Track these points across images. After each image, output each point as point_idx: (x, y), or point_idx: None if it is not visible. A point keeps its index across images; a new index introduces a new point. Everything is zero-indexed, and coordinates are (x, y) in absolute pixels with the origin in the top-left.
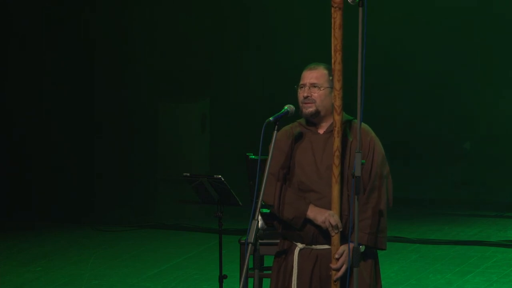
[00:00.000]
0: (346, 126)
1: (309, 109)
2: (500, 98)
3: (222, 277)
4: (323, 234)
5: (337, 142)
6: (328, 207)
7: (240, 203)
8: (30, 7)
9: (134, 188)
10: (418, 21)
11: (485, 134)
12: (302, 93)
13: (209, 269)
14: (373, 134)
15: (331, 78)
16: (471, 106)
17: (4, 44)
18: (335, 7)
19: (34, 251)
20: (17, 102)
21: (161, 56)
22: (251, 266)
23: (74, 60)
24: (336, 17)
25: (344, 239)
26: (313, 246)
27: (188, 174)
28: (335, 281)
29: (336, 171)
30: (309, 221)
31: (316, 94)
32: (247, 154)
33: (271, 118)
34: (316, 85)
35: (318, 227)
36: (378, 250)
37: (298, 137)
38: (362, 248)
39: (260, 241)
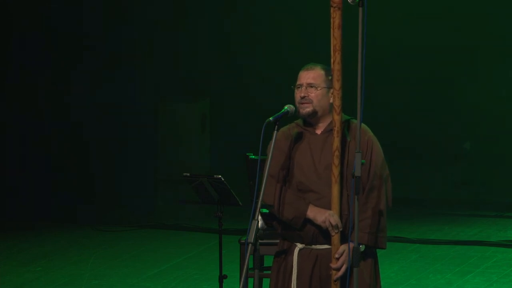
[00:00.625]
0: (344, 126)
1: (306, 109)
2: (501, 98)
3: (222, 277)
4: (323, 234)
5: (336, 142)
6: (328, 207)
7: (240, 203)
8: (28, 6)
9: (134, 188)
10: (418, 20)
11: (485, 134)
12: (299, 93)
13: (209, 269)
14: (371, 133)
15: (329, 78)
16: (471, 106)
17: (5, 44)
18: (334, 7)
19: (34, 251)
20: (17, 102)
21: (161, 56)
22: (251, 266)
23: (74, 59)
24: (335, 17)
25: (344, 239)
26: (313, 246)
27: (188, 174)
28: (335, 281)
29: (335, 171)
30: (309, 221)
31: (313, 94)
32: (247, 154)
33: (271, 118)
34: (313, 85)
35: (317, 227)
36: (378, 250)
37: (296, 138)
38: (362, 247)
39: (260, 241)
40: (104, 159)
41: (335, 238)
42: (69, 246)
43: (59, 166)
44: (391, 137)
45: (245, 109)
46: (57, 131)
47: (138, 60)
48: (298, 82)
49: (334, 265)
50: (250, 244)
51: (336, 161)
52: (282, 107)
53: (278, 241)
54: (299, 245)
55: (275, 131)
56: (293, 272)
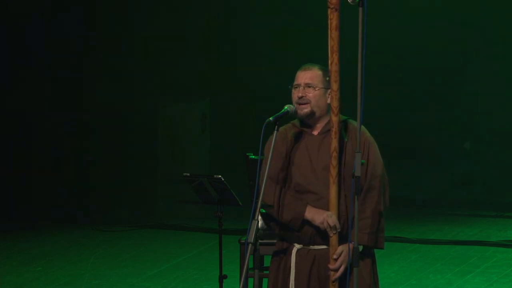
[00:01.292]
0: (341, 127)
1: (305, 110)
2: (500, 98)
3: (222, 277)
4: (321, 235)
5: (334, 142)
6: (326, 208)
7: (240, 203)
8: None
9: (134, 188)
10: (419, 19)
11: (485, 134)
12: (296, 93)
13: (209, 269)
14: (368, 134)
15: (327, 79)
16: (471, 105)
17: (7, 43)
18: (332, 8)
19: (34, 251)
20: (17, 102)
21: (161, 56)
22: (251, 266)
23: (74, 59)
24: (333, 18)
25: (342, 240)
26: (311, 246)
27: (188, 174)
28: (333, 282)
29: (333, 171)
30: (307, 222)
31: (311, 94)
32: (247, 154)
33: (271, 118)
34: (311, 85)
35: (315, 227)
36: (377, 250)
37: (293, 139)
38: (360, 247)
39: (260, 241)
40: (104, 159)
41: (333, 238)
42: (69, 246)
43: (59, 166)
44: (391, 137)
45: (245, 109)
46: (56, 131)
47: (138, 60)
48: (295, 82)
49: (332, 265)
50: (250, 244)
51: (334, 162)
52: (282, 107)
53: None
54: (297, 246)
55: (275, 131)
56: (291, 273)
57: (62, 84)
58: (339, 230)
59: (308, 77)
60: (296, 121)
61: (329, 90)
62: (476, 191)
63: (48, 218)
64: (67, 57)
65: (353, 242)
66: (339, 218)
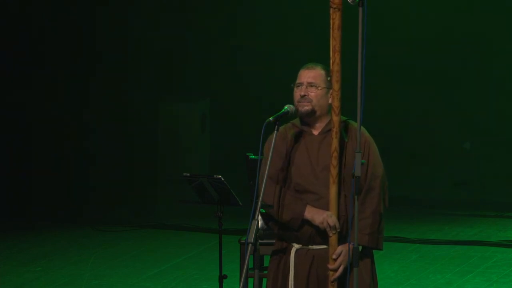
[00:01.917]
0: (342, 127)
1: (305, 107)
2: (501, 98)
3: (222, 277)
4: (320, 234)
5: (335, 143)
6: (326, 208)
7: (240, 203)
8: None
9: (134, 188)
10: (419, 18)
11: (485, 134)
12: (298, 92)
13: (209, 269)
14: (367, 134)
15: (328, 79)
16: (471, 105)
17: (7, 43)
18: (334, 8)
19: (34, 251)
20: (17, 102)
21: (161, 56)
22: (251, 266)
23: (73, 59)
24: (335, 18)
25: (341, 240)
26: (310, 246)
27: (188, 174)
28: (332, 282)
29: (334, 171)
30: (306, 222)
31: (313, 93)
32: (247, 154)
33: (271, 118)
34: (313, 84)
35: (315, 227)
36: (375, 250)
37: (293, 139)
38: (359, 247)
39: (260, 241)
40: (104, 159)
41: (333, 238)
42: (69, 246)
43: (59, 166)
44: (390, 136)
45: (245, 109)
46: (56, 131)
47: (138, 60)
48: (298, 81)
49: (331, 266)
50: (250, 244)
51: (335, 161)
52: (283, 106)
53: None
54: (296, 245)
55: (275, 131)
56: (290, 273)
57: (62, 84)
58: (338, 230)
59: (311, 76)
60: (296, 121)
61: (331, 90)
62: (476, 191)
63: (48, 218)
64: (67, 57)
65: (353, 243)
66: (338, 218)
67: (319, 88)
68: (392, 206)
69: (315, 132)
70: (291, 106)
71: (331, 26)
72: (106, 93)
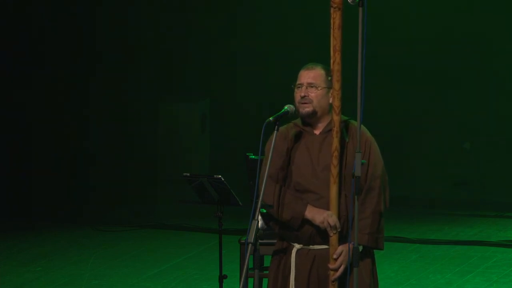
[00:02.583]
0: (343, 127)
1: (306, 109)
2: (501, 98)
3: (222, 277)
4: (321, 234)
5: (335, 142)
6: (326, 208)
7: (240, 203)
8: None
9: (134, 188)
10: (419, 18)
11: (485, 134)
12: (299, 93)
13: (209, 269)
14: (369, 134)
15: (329, 78)
16: (471, 105)
17: (7, 43)
18: (335, 8)
19: (34, 251)
20: (17, 102)
21: (161, 56)
22: (251, 266)
23: (73, 59)
24: (336, 18)
25: (342, 239)
26: (310, 246)
27: (188, 174)
28: (333, 282)
29: (334, 171)
30: (307, 222)
31: (313, 94)
32: (247, 154)
33: (271, 118)
34: (313, 85)
35: (315, 227)
36: (376, 250)
37: (294, 138)
38: (360, 247)
39: (260, 241)
40: (104, 159)
41: (333, 238)
42: (69, 246)
43: (59, 166)
44: (390, 136)
45: (245, 109)
46: (56, 131)
47: (138, 60)
48: (298, 82)
49: (332, 265)
50: (250, 244)
51: (335, 161)
52: (283, 106)
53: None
54: (297, 245)
55: (275, 131)
56: (291, 273)
57: (62, 84)
58: (339, 229)
59: (311, 76)
60: (297, 121)
61: (331, 90)
62: (476, 191)
63: (48, 218)
64: (67, 57)
65: (353, 243)
66: (339, 218)
67: (319, 89)
68: (392, 206)
69: (317, 132)
70: (291, 106)
71: (332, 26)
72: (106, 93)
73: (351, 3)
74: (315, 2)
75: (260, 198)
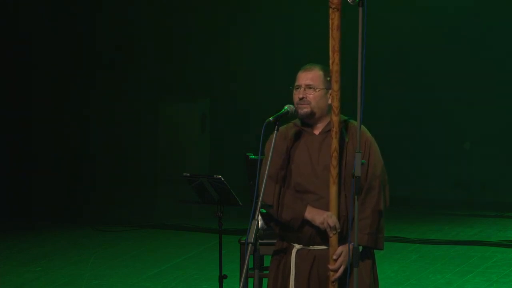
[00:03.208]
0: (342, 127)
1: (304, 110)
2: (500, 98)
3: (222, 277)
4: (321, 235)
5: (334, 143)
6: (326, 208)
7: (240, 203)
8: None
9: (134, 188)
10: (422, 18)
11: (485, 133)
12: (297, 94)
13: (209, 269)
14: (369, 134)
15: (328, 79)
16: (471, 105)
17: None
18: (333, 8)
19: (34, 251)
20: (17, 102)
21: (161, 56)
22: (251, 266)
23: (74, 59)
24: (334, 18)
25: (342, 240)
26: (311, 246)
27: (188, 174)
28: (333, 282)
29: (334, 171)
30: (307, 222)
31: (311, 95)
32: (247, 154)
33: (271, 118)
34: (312, 86)
35: (315, 227)
36: (376, 250)
37: (294, 138)
38: (360, 248)
39: (260, 241)
40: (104, 159)
41: (333, 239)
42: (69, 246)
43: (59, 166)
44: (390, 136)
45: (245, 109)
46: (56, 131)
47: (138, 60)
48: (296, 83)
49: (332, 266)
50: (250, 244)
51: (334, 162)
52: (282, 107)
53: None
54: (297, 246)
55: (275, 131)
56: (291, 273)
57: (62, 84)
58: (339, 230)
59: (309, 78)
60: (297, 121)
61: (330, 91)
62: (476, 191)
63: (48, 218)
64: (67, 58)
65: (353, 243)
66: (339, 218)
67: (317, 90)
68: (392, 206)
69: (316, 132)
70: (291, 106)
71: (330, 26)
72: (106, 93)
73: (351, 3)
74: (315, 3)
75: (260, 198)
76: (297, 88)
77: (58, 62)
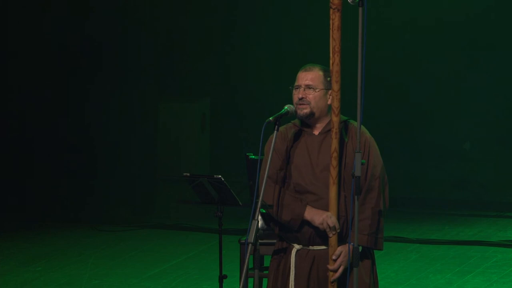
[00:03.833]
0: (342, 127)
1: (304, 110)
2: (500, 98)
3: (222, 277)
4: (320, 235)
5: (334, 143)
6: (325, 208)
7: (240, 203)
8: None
9: (134, 188)
10: (424, 20)
11: (485, 133)
12: (297, 95)
13: (209, 269)
14: (368, 135)
15: (328, 79)
16: (471, 105)
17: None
18: (334, 9)
19: (34, 251)
20: (18, 102)
21: (161, 56)
22: (251, 266)
23: (73, 59)
24: (335, 19)
25: (341, 240)
26: (310, 247)
27: (188, 174)
28: (332, 282)
29: (333, 172)
30: (307, 223)
31: (311, 95)
32: (247, 154)
33: (271, 118)
34: (311, 86)
35: (315, 228)
36: (376, 251)
37: (293, 138)
38: (360, 248)
39: (260, 241)
40: (104, 159)
41: (333, 239)
42: (69, 246)
43: (59, 166)
44: (391, 137)
45: (245, 109)
46: (56, 131)
47: (138, 60)
48: (296, 83)
49: (331, 266)
50: (250, 244)
51: (334, 162)
52: (282, 106)
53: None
54: (296, 246)
55: (275, 131)
56: (291, 274)
57: (62, 84)
58: (338, 230)
59: (309, 78)
60: (297, 121)
61: (330, 91)
62: (476, 191)
63: (48, 218)
64: (67, 57)
65: (352, 244)
66: (338, 218)
67: (317, 90)
68: (392, 206)
69: (315, 132)
70: (291, 106)
71: (331, 27)
72: (106, 93)
73: (351, 3)
74: (314, 3)
75: (260, 198)
76: (297, 88)
77: (58, 62)
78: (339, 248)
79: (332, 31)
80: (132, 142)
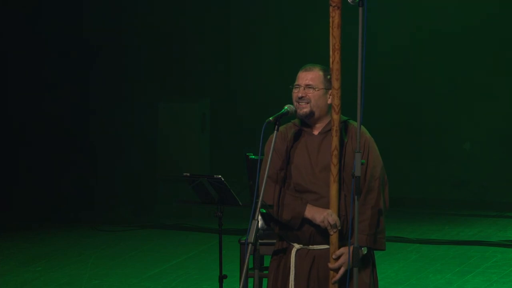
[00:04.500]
0: (342, 127)
1: (304, 109)
2: (500, 98)
3: (222, 277)
4: (321, 234)
5: (335, 141)
6: (326, 207)
7: (240, 203)
8: None
9: (134, 188)
10: (427, 21)
11: (486, 134)
12: (296, 94)
13: (209, 269)
14: (368, 135)
15: (328, 77)
16: (471, 105)
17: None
18: (334, 6)
19: (34, 251)
20: (18, 102)
21: (161, 56)
22: (251, 266)
23: (74, 59)
24: (335, 16)
25: (341, 239)
26: (310, 246)
27: (188, 174)
28: (333, 283)
29: (334, 170)
30: (307, 221)
31: (311, 94)
32: (247, 154)
33: (271, 118)
34: (311, 86)
35: (315, 227)
36: (377, 251)
37: (293, 138)
38: (364, 250)
39: (260, 241)
40: (104, 159)
41: (334, 237)
42: (69, 246)
43: (59, 166)
44: (391, 137)
45: (245, 108)
46: (55, 130)
47: (138, 59)
48: (296, 82)
49: (332, 265)
50: (250, 244)
51: (335, 160)
52: (283, 106)
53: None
54: (297, 246)
55: (275, 131)
56: (291, 273)
57: (62, 83)
58: (339, 228)
59: (309, 78)
60: (296, 120)
61: (330, 91)
62: (476, 191)
63: (48, 218)
64: (67, 57)
65: (353, 245)
66: (338, 216)
67: (317, 90)
68: (392, 206)
69: (315, 132)
70: (291, 106)
71: (331, 25)
72: (106, 93)
73: (351, 3)
74: (314, 1)
75: (260, 198)
76: (297, 87)
77: (58, 62)
78: (341, 250)
79: (332, 29)
80: (132, 142)
